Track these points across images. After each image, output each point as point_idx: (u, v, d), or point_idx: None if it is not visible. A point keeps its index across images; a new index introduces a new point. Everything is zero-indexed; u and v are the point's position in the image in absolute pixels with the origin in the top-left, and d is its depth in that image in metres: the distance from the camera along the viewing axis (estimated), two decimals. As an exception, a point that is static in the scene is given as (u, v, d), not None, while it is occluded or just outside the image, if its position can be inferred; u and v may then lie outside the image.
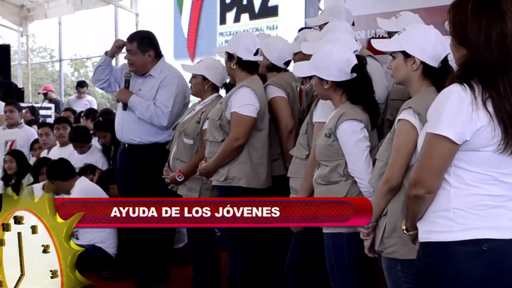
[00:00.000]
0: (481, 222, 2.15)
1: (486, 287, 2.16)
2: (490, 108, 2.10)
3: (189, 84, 4.48)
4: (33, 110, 9.36)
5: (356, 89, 3.22)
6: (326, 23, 4.17)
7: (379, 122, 3.62)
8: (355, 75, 3.22)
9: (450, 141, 2.10)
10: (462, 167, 2.16)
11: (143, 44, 4.83)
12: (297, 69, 3.47)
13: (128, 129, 4.83)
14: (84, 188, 5.35)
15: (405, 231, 2.38)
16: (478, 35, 2.14)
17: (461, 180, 2.17)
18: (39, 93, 11.70)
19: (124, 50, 4.92)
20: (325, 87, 3.24)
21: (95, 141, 6.69)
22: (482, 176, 2.16)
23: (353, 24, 4.31)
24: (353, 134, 3.14)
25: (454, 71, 2.72)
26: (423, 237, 2.23)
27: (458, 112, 2.10)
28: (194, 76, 4.37)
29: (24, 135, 7.44)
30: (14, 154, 6.79)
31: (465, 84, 2.11)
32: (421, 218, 2.24)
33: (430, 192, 2.17)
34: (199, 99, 4.50)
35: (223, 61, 4.24)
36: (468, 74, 2.13)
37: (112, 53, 5.02)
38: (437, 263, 2.17)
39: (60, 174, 5.45)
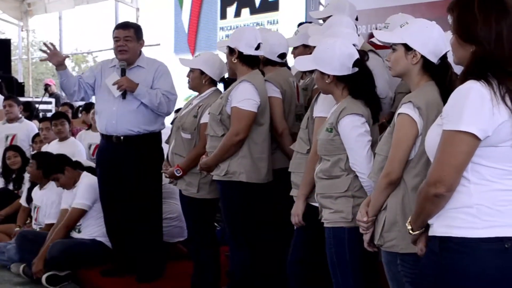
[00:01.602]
0: (503, 219, 2.14)
1: (505, 285, 2.15)
2: (509, 103, 2.10)
3: (187, 78, 4.47)
4: (27, 105, 9.34)
5: (358, 83, 3.21)
6: (329, 17, 4.17)
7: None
8: (356, 69, 3.21)
9: (473, 137, 2.09)
10: (480, 163, 2.15)
11: (139, 32, 4.92)
12: (298, 63, 3.46)
13: (126, 120, 4.82)
14: (91, 184, 5.32)
15: (410, 231, 2.36)
16: (489, 32, 2.14)
17: (480, 176, 2.15)
18: (45, 84, 11.71)
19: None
20: (327, 81, 3.24)
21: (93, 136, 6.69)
22: (501, 171, 2.15)
23: (356, 19, 4.31)
24: (354, 129, 3.13)
25: (452, 68, 2.73)
26: (441, 231, 2.20)
27: (480, 107, 2.09)
28: (191, 70, 4.36)
29: (25, 130, 7.44)
30: (16, 149, 6.79)
31: (483, 80, 2.11)
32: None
33: (451, 190, 2.15)
34: (197, 93, 4.49)
35: (223, 55, 4.23)
36: (482, 70, 2.13)
37: (59, 63, 4.86)
38: (458, 258, 2.15)
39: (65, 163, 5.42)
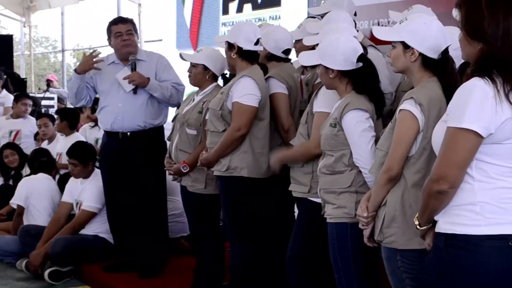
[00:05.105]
0: (507, 216, 2.14)
1: (508, 283, 2.15)
2: None
3: (188, 73, 4.45)
4: (34, 100, 9.33)
5: (362, 78, 3.20)
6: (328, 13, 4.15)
7: (388, 114, 3.61)
8: (361, 64, 3.21)
9: (475, 135, 2.09)
10: (484, 160, 2.15)
11: (135, 26, 4.96)
12: (303, 58, 3.45)
13: (133, 116, 4.85)
14: (100, 185, 5.28)
15: (418, 227, 2.36)
16: (496, 29, 2.13)
17: (484, 173, 2.16)
18: (47, 80, 11.71)
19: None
20: (331, 76, 3.23)
21: (96, 132, 6.69)
22: (505, 169, 2.15)
23: (355, 14, 4.29)
24: (358, 124, 3.13)
25: (454, 62, 2.72)
26: (446, 228, 2.21)
27: (483, 105, 2.09)
28: (194, 66, 4.33)
29: (29, 126, 7.47)
30: (13, 147, 6.79)
31: (487, 78, 2.10)
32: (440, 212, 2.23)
33: (454, 187, 2.16)
34: (197, 88, 4.48)
35: (222, 50, 4.22)
36: (487, 68, 2.12)
37: (85, 70, 4.90)
38: (462, 255, 2.16)
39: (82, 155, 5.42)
